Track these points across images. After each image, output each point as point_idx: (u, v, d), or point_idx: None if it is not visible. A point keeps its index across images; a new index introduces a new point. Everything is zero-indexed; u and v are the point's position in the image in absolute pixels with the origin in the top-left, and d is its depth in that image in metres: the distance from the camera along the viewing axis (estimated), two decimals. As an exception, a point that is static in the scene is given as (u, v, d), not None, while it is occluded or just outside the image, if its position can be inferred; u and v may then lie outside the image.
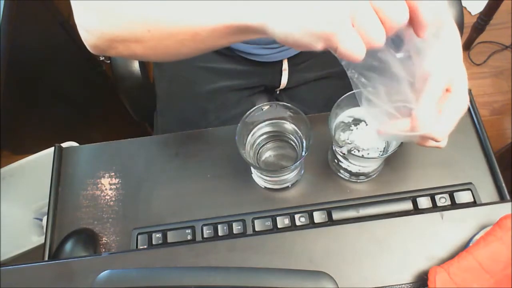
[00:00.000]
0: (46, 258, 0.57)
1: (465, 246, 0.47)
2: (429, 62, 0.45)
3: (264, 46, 0.73)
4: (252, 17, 0.38)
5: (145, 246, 0.56)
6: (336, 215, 0.56)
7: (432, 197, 0.56)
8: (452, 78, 0.45)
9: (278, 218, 0.56)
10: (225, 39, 0.42)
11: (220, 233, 0.56)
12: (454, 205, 0.56)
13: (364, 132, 0.55)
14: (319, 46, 0.36)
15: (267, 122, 0.57)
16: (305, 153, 0.53)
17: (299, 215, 0.56)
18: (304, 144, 0.55)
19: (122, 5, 0.43)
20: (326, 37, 0.35)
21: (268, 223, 0.56)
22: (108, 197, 0.61)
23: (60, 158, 0.64)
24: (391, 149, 0.53)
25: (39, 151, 0.99)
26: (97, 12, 0.45)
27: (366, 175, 0.59)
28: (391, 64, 0.41)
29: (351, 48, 0.35)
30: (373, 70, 0.42)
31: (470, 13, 1.68)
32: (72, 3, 0.47)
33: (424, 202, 0.56)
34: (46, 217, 0.60)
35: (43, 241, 0.59)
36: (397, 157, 0.60)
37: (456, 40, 0.48)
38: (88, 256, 0.51)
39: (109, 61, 0.80)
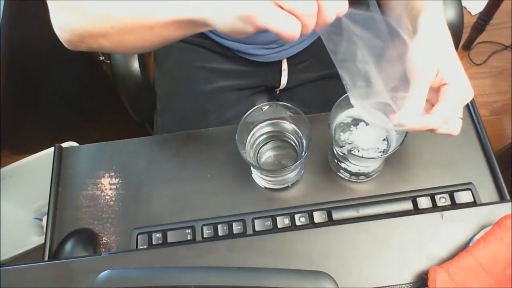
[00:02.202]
0: (46, 258, 0.57)
1: (465, 246, 0.47)
2: (413, 56, 0.46)
3: (263, 46, 0.73)
4: (194, 12, 0.44)
5: (145, 246, 0.56)
6: (336, 215, 0.56)
7: (432, 197, 0.56)
8: (442, 70, 0.46)
9: (278, 218, 0.56)
10: (178, 31, 0.47)
11: (220, 233, 0.56)
12: (454, 205, 0.56)
13: (364, 132, 0.55)
14: (250, 29, 0.41)
15: (267, 122, 0.57)
16: (305, 153, 0.53)
17: (299, 215, 0.56)
18: (304, 144, 0.55)
19: (88, 5, 0.49)
20: (250, 19, 0.40)
21: (268, 223, 0.56)
22: (108, 197, 0.61)
23: (60, 158, 0.64)
24: (391, 149, 0.53)
25: (39, 151, 0.99)
26: (67, 11, 0.51)
27: (366, 175, 0.59)
28: (369, 68, 0.44)
29: (278, 26, 0.39)
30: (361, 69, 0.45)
31: (470, 13, 1.68)
32: (48, 3, 0.52)
33: (424, 202, 0.56)
34: (46, 217, 0.60)
35: (43, 241, 0.59)
36: (397, 157, 0.60)
37: (441, 31, 0.49)
38: (88, 256, 0.51)
39: (109, 61, 0.80)
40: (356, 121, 0.56)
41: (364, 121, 0.56)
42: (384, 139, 0.55)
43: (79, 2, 0.49)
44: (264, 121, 0.57)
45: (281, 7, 0.39)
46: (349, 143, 0.55)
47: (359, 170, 0.57)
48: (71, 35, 0.52)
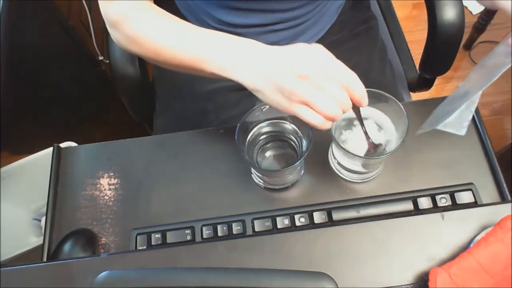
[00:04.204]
0: (45, 259, 0.57)
1: (466, 247, 0.47)
2: None
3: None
4: (231, 75, 0.50)
5: (144, 247, 0.56)
6: (336, 216, 0.55)
7: (432, 197, 0.56)
8: None
9: (278, 218, 0.56)
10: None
11: (219, 234, 0.56)
12: (455, 206, 0.55)
13: (355, 135, 0.55)
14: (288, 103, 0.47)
15: (267, 122, 0.57)
16: (305, 153, 0.52)
17: (299, 215, 0.56)
18: (304, 144, 0.55)
19: (144, 41, 0.56)
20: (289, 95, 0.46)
21: (268, 223, 0.56)
22: (107, 197, 0.61)
23: (58, 158, 0.64)
24: (391, 149, 0.53)
25: (39, 151, 0.98)
26: (123, 35, 0.58)
27: (366, 175, 0.59)
28: None
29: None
30: None
31: (471, 12, 1.68)
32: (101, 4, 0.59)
33: (424, 203, 0.56)
34: (44, 217, 0.60)
35: (41, 242, 0.59)
36: (398, 157, 0.60)
37: None
38: (87, 257, 0.51)
39: (108, 61, 0.80)
40: (354, 121, 0.56)
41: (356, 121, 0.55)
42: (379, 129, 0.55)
43: (139, 36, 0.56)
44: (264, 121, 0.56)
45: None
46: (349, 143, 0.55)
47: (359, 170, 0.57)
48: (121, 42, 0.59)
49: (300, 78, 0.45)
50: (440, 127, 0.51)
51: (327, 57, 0.46)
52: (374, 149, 0.54)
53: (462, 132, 0.50)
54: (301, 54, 0.46)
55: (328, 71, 0.45)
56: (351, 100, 0.47)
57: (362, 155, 0.54)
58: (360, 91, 0.46)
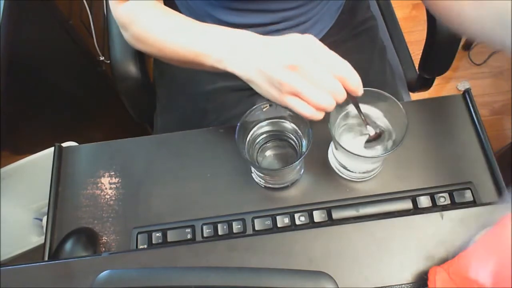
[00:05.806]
0: (46, 258, 0.57)
1: (465, 246, 0.47)
2: None
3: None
4: (231, 68, 0.51)
5: (145, 246, 0.56)
6: (336, 214, 0.56)
7: (432, 196, 0.56)
8: None
9: (278, 217, 0.56)
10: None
11: (220, 232, 0.56)
12: (454, 205, 0.56)
13: (355, 133, 0.55)
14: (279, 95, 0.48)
15: (267, 122, 0.57)
16: (305, 152, 0.53)
17: (299, 214, 0.56)
18: (304, 143, 0.55)
19: (148, 39, 0.59)
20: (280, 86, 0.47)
21: (268, 222, 0.56)
22: (108, 197, 0.61)
23: (60, 157, 0.64)
24: (390, 149, 0.53)
25: (39, 151, 0.99)
26: (130, 33, 0.61)
27: (366, 174, 0.59)
28: None
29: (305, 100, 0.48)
30: None
31: (470, 13, 1.68)
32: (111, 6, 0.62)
33: (424, 201, 0.56)
34: (46, 217, 0.60)
35: (43, 241, 0.59)
36: (397, 157, 0.60)
37: None
38: (88, 256, 0.51)
39: (109, 61, 0.80)
40: (353, 119, 0.56)
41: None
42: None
43: (144, 35, 0.58)
44: (264, 120, 0.57)
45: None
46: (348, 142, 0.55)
47: (358, 169, 0.57)
48: (130, 42, 0.62)
49: (289, 69, 0.45)
50: None
51: (319, 47, 0.46)
52: (376, 137, 0.53)
53: None
54: (291, 44, 0.46)
55: (320, 61, 0.45)
56: (346, 90, 0.47)
57: (362, 154, 0.54)
58: (353, 80, 0.46)
